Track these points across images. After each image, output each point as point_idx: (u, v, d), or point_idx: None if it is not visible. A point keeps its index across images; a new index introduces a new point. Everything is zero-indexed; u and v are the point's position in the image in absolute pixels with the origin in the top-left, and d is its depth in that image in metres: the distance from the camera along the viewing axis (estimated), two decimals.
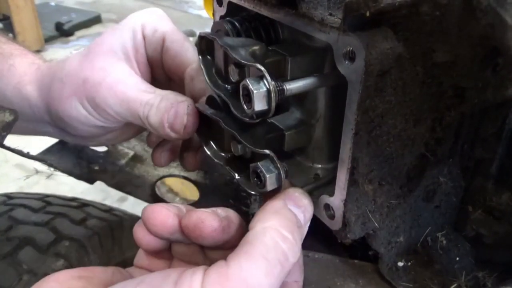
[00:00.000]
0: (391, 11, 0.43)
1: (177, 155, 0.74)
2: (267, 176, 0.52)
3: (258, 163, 0.53)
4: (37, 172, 2.18)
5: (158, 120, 0.61)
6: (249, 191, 0.58)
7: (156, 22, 0.67)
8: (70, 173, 1.28)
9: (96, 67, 0.63)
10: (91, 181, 1.31)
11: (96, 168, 1.34)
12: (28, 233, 0.81)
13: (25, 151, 0.72)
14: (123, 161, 1.28)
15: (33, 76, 0.66)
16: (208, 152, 0.64)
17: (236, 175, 0.60)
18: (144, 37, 0.66)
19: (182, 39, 0.67)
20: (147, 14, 0.68)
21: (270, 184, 0.53)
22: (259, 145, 0.54)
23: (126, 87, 0.62)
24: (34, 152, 0.79)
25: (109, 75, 0.62)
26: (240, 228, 0.52)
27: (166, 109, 0.61)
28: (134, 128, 0.74)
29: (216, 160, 0.63)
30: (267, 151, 0.52)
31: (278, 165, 0.52)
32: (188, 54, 0.67)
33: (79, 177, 1.29)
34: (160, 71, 0.70)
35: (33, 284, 0.72)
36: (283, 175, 0.53)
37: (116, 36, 0.66)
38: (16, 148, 0.68)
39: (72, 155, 1.15)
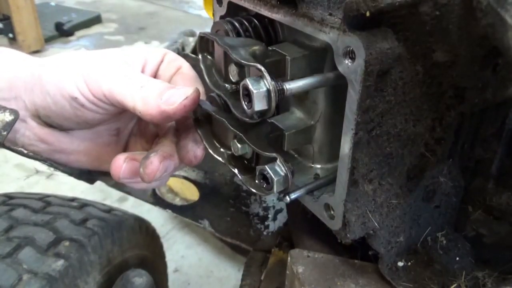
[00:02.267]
0: (391, 11, 0.43)
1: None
2: (275, 179, 0.52)
3: (266, 166, 0.53)
4: (37, 172, 2.18)
5: (155, 90, 0.57)
6: (251, 189, 0.58)
7: (178, 56, 0.69)
8: (70, 173, 1.28)
9: (98, 56, 0.62)
10: (91, 181, 1.30)
11: None
12: (28, 233, 0.80)
13: (25, 151, 0.71)
14: None
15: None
16: (209, 149, 0.64)
17: (236, 171, 0.60)
18: (162, 59, 0.67)
19: (196, 75, 0.68)
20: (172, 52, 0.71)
21: (278, 187, 0.53)
22: (263, 146, 0.54)
23: (125, 70, 0.61)
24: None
25: (110, 62, 0.61)
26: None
27: (168, 86, 0.59)
28: (100, 148, 0.71)
29: (216, 157, 0.63)
30: (274, 155, 0.53)
31: (285, 168, 0.52)
32: (198, 84, 0.66)
33: (79, 177, 1.28)
34: None
35: (33, 284, 0.72)
36: (290, 177, 0.53)
37: (133, 47, 0.67)
38: (16, 148, 0.68)
39: None
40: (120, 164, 0.63)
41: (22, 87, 0.62)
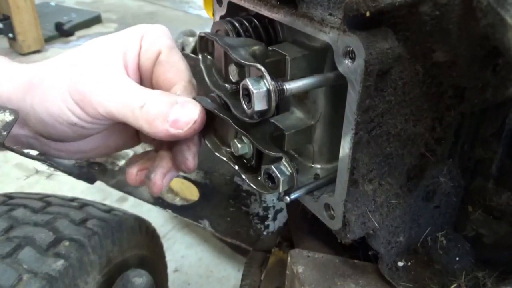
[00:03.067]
0: (391, 11, 0.43)
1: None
2: (281, 179, 0.52)
3: (272, 165, 0.53)
4: (37, 172, 2.18)
5: (159, 111, 0.56)
6: (255, 187, 0.58)
7: (156, 35, 0.65)
8: (70, 173, 1.28)
9: (86, 56, 0.60)
10: (91, 181, 1.30)
11: (96, 168, 1.34)
12: (28, 233, 0.80)
13: (25, 151, 0.71)
14: (123, 161, 1.28)
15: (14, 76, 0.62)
16: (209, 146, 0.64)
17: (236, 167, 0.60)
18: (140, 46, 0.64)
19: (178, 58, 0.65)
20: (150, 27, 0.66)
21: (284, 186, 0.53)
22: (268, 145, 0.54)
23: (121, 78, 0.59)
24: (34, 152, 0.79)
25: (101, 64, 0.59)
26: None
27: (170, 102, 0.57)
28: (115, 139, 0.71)
29: (217, 154, 0.63)
30: (279, 154, 0.53)
31: (291, 167, 0.52)
32: (180, 73, 0.64)
33: (79, 177, 1.28)
34: (148, 83, 0.66)
35: (33, 284, 0.72)
36: (295, 176, 0.53)
37: (111, 38, 0.64)
38: (16, 148, 0.68)
39: None
40: (134, 177, 0.69)
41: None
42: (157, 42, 0.64)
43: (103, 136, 0.69)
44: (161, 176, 0.65)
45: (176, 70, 0.64)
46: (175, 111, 0.57)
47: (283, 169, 0.53)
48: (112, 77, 0.59)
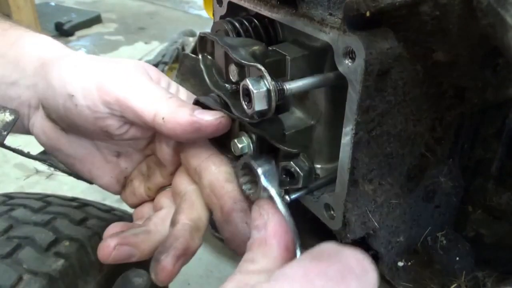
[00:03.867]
0: (391, 11, 0.43)
1: (136, 256, 0.58)
2: (302, 174, 0.53)
3: (291, 162, 0.54)
4: (37, 172, 2.18)
5: (186, 103, 0.57)
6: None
7: None
8: (70, 173, 1.28)
9: (115, 62, 0.61)
10: (91, 181, 1.30)
11: None
12: (28, 233, 0.80)
13: (25, 151, 0.71)
14: None
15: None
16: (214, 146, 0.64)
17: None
18: None
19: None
20: None
21: (304, 181, 0.54)
22: (281, 142, 0.55)
23: (150, 82, 0.60)
24: (34, 152, 0.79)
25: (127, 68, 0.60)
26: None
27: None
28: (99, 168, 0.70)
29: (222, 154, 0.63)
30: (297, 150, 0.54)
31: (309, 162, 0.54)
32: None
33: (79, 177, 1.28)
34: None
35: (33, 284, 0.72)
36: (313, 171, 0.54)
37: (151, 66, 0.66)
38: (16, 148, 0.68)
39: None
40: (109, 251, 0.57)
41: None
42: None
43: (87, 149, 0.68)
44: (174, 260, 0.54)
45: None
46: (201, 110, 0.57)
47: (301, 164, 0.54)
48: (141, 76, 0.60)
